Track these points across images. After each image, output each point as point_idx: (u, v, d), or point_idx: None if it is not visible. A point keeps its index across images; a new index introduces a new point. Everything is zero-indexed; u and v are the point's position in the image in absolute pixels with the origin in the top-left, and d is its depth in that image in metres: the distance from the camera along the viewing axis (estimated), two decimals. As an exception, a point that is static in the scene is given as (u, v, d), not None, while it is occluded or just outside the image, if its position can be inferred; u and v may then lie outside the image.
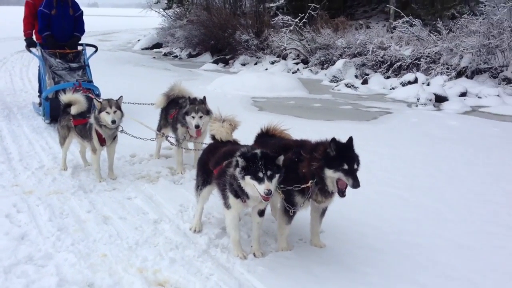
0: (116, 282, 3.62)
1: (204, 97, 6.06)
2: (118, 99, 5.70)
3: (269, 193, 3.50)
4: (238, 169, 3.63)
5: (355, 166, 3.69)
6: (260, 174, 3.53)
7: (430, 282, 3.74)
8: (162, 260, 3.92)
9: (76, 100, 5.99)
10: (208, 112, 5.93)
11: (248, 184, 3.60)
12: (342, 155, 3.68)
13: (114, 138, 5.83)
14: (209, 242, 4.25)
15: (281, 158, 3.66)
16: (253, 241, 4.12)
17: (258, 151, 3.67)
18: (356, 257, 4.12)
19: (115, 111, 5.54)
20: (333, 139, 3.73)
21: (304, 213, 4.22)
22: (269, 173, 3.54)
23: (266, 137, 4.60)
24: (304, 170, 3.82)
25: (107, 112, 5.51)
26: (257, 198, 3.75)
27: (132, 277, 3.66)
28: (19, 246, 4.08)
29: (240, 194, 3.76)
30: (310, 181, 3.80)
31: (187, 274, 3.73)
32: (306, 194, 3.90)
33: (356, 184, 3.62)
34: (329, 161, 3.69)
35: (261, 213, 4.02)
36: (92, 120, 5.65)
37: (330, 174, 3.69)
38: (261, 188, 3.52)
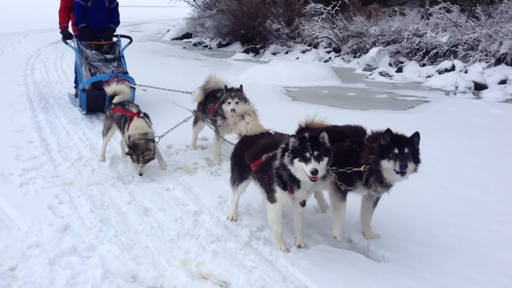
0: (160, 275, 3.60)
1: (241, 86, 6.00)
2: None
3: (315, 172, 3.42)
4: (287, 154, 3.56)
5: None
6: (307, 154, 3.47)
7: (483, 278, 3.60)
8: (205, 252, 3.89)
9: (120, 90, 6.08)
10: (245, 100, 5.85)
11: (298, 168, 3.52)
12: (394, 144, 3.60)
13: None
14: (251, 235, 4.20)
15: (324, 135, 3.56)
16: (297, 232, 4.05)
17: (304, 134, 3.60)
18: (402, 251, 4.00)
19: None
20: (388, 130, 3.64)
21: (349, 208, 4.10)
22: (316, 153, 3.48)
23: (306, 130, 4.48)
24: (363, 161, 3.75)
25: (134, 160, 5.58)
26: (307, 186, 3.68)
27: (175, 270, 3.64)
28: (63, 237, 4.11)
29: (290, 183, 3.67)
30: (363, 166, 3.71)
31: (230, 267, 3.69)
32: (363, 177, 3.79)
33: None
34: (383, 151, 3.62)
35: (303, 203, 3.95)
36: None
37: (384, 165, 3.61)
38: (308, 168, 3.44)
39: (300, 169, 3.52)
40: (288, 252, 3.91)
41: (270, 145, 3.92)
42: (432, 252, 3.97)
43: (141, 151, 5.48)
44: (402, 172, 3.54)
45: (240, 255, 3.88)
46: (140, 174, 5.56)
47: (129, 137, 5.59)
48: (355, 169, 3.76)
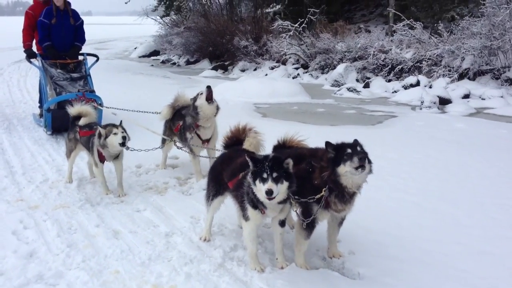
0: (131, 300, 3.49)
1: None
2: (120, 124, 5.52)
3: (269, 192, 3.39)
4: (250, 173, 3.56)
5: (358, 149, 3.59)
6: (265, 175, 3.43)
7: (456, 292, 3.63)
8: (178, 275, 3.78)
9: (86, 112, 5.90)
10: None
11: (258, 188, 3.50)
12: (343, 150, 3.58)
13: (118, 156, 5.66)
14: (224, 255, 4.12)
15: (289, 161, 3.53)
16: (278, 254, 3.98)
17: (268, 154, 3.60)
18: (376, 267, 3.99)
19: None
20: (327, 143, 3.64)
21: (321, 224, 4.09)
22: (274, 174, 3.44)
23: (283, 148, 4.45)
24: (317, 181, 3.72)
25: (114, 134, 5.33)
26: (273, 206, 3.63)
27: (147, 295, 3.53)
28: (28, 264, 3.94)
29: (257, 203, 3.64)
30: (324, 189, 3.68)
31: (204, 290, 3.60)
32: (321, 203, 3.77)
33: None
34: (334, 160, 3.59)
35: (282, 223, 3.88)
36: (96, 141, 5.49)
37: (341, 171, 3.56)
38: (264, 187, 3.41)
39: (260, 189, 3.50)
40: (263, 272, 3.84)
41: (248, 163, 3.87)
42: (405, 267, 3.98)
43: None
44: (362, 165, 3.45)
45: (214, 277, 3.79)
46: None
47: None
48: (317, 196, 3.73)
